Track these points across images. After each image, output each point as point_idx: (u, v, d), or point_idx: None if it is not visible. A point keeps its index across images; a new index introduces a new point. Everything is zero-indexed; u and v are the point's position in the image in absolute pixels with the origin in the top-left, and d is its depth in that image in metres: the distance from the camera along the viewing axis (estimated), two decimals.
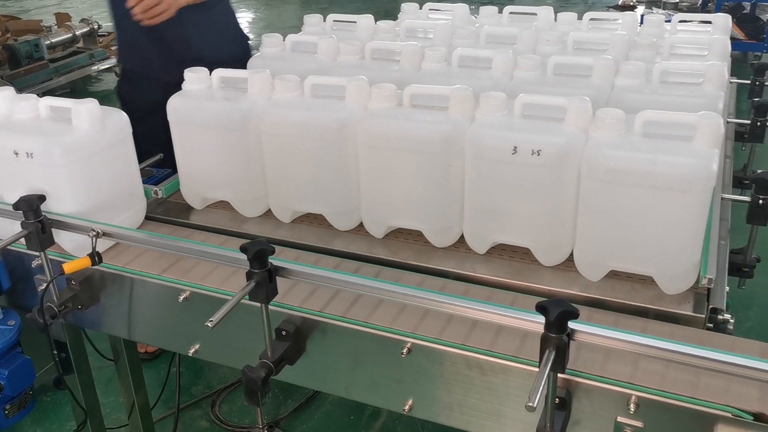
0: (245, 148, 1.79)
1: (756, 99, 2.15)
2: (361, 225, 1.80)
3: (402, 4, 2.68)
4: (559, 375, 1.29)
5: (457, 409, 1.45)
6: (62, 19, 7.63)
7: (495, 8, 2.62)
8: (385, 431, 2.81)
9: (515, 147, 1.48)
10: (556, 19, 2.46)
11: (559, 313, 1.14)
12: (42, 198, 1.60)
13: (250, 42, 2.98)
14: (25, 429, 2.88)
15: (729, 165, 2.03)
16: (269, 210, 1.90)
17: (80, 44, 7.43)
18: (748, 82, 2.47)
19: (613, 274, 1.56)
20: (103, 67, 7.32)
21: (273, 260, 1.40)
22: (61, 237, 1.68)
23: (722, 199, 1.75)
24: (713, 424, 1.23)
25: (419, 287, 1.43)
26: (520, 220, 1.59)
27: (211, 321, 1.29)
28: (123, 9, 2.41)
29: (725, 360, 1.12)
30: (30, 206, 1.57)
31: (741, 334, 1.44)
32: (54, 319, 1.68)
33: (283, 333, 1.51)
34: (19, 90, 3.10)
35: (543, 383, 1.11)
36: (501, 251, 1.69)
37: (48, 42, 7.06)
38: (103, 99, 1.80)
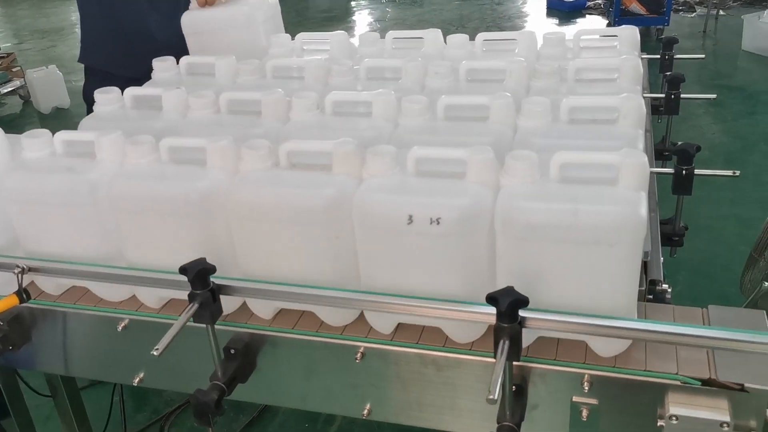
0: (96, 226, 1.51)
1: (668, 73, 2.22)
2: None
3: (272, 37, 2.35)
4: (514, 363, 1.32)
5: (415, 408, 1.45)
6: None
7: (377, 35, 2.30)
8: None
9: (410, 215, 1.25)
10: (446, 42, 2.17)
11: (509, 303, 1.14)
12: None
13: None
14: None
15: (650, 138, 2.09)
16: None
17: None
18: (658, 57, 2.56)
19: None
20: (5, 91, 6.99)
21: (215, 279, 1.36)
22: None
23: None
24: (663, 393, 1.26)
25: (370, 291, 1.40)
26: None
27: (157, 349, 1.24)
28: (89, 4, 2.39)
29: (667, 330, 1.16)
30: None
31: (673, 299, 1.49)
32: None
33: (232, 351, 1.47)
34: None
35: (501, 374, 1.11)
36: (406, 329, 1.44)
37: None
38: (8, 124, 1.69)
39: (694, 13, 8.95)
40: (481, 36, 2.06)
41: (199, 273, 1.31)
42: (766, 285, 2.45)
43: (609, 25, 8.12)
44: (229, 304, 1.47)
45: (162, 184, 1.43)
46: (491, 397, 1.07)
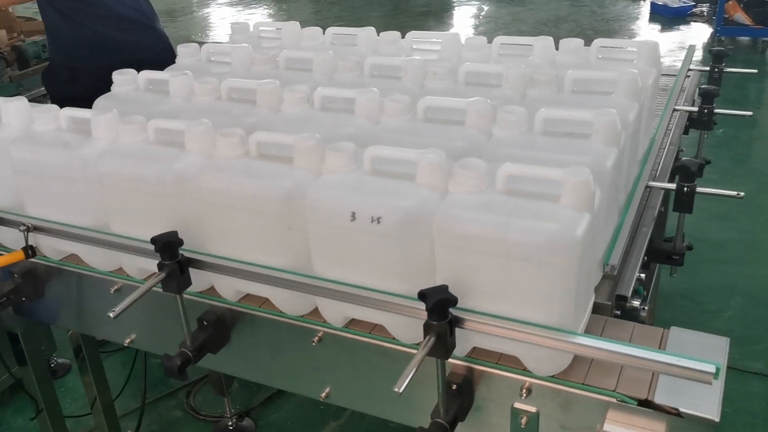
0: (86, 200, 1.61)
1: (702, 87, 2.12)
2: None
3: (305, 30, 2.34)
4: (459, 363, 1.33)
5: (372, 397, 1.48)
6: None
7: (484, 39, 2.18)
8: (354, 421, 2.85)
9: (353, 212, 1.27)
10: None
11: (436, 301, 1.16)
12: None
13: None
14: (7, 419, 2.97)
15: (671, 153, 2.02)
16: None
17: None
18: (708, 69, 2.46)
19: None
20: None
21: (184, 251, 1.43)
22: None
23: (648, 187, 1.75)
24: (605, 409, 1.24)
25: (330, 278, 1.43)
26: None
27: (114, 311, 1.34)
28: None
29: (579, 342, 1.15)
30: None
31: (721, 323, 1.43)
32: None
33: (205, 323, 1.55)
34: (26, 90, 3.21)
35: (414, 369, 1.13)
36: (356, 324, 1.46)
37: None
38: None
39: None
40: (499, 39, 2.04)
41: (166, 245, 1.39)
42: None
43: (713, 33, 7.74)
44: (202, 280, 1.54)
45: (143, 163, 1.52)
46: (396, 389, 1.09)
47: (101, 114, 1.61)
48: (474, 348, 1.33)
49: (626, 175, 1.64)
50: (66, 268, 1.74)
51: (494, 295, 1.23)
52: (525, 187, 1.26)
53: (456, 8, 10.80)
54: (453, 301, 1.17)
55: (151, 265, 1.46)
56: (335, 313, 1.43)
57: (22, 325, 2.01)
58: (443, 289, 1.18)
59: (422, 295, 1.17)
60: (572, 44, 1.92)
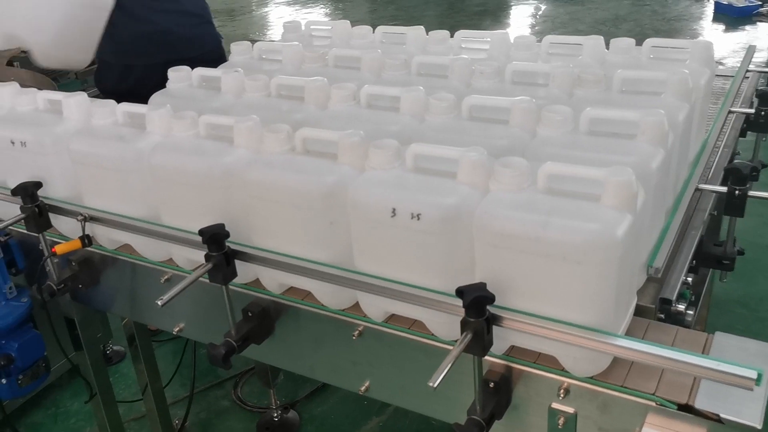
0: (140, 191, 1.68)
1: (759, 88, 2.06)
2: None
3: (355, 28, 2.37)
4: (497, 361, 1.34)
5: (411, 392, 1.50)
6: None
7: (533, 38, 2.15)
8: (397, 417, 2.87)
9: (394, 209, 1.28)
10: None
11: (473, 298, 1.17)
12: (38, 185, 1.73)
13: None
14: (65, 401, 3.09)
15: (725, 156, 1.97)
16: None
17: None
18: None
19: None
20: None
21: (230, 243, 1.48)
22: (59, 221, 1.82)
23: (699, 190, 1.71)
24: (644, 412, 1.23)
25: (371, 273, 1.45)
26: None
27: (161, 299, 1.38)
28: None
29: (619, 344, 1.14)
30: (26, 192, 1.71)
31: None
32: (52, 296, 1.82)
33: (249, 314, 1.59)
34: (90, 87, 3.32)
35: (449, 365, 1.14)
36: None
37: None
38: None
39: None
40: (548, 38, 2.02)
41: (213, 236, 1.44)
42: None
43: None
44: (247, 272, 1.58)
45: (193, 157, 1.57)
46: (430, 383, 1.10)
47: (155, 109, 1.67)
48: (512, 347, 1.33)
49: (675, 177, 1.61)
50: (120, 257, 1.81)
51: (533, 294, 1.23)
52: (567, 186, 1.25)
53: (513, 7, 10.71)
54: (490, 298, 1.17)
55: (199, 256, 1.50)
56: (375, 308, 1.44)
57: (79, 311, 2.09)
58: (481, 286, 1.19)
59: (460, 292, 1.18)
60: (623, 44, 1.89)
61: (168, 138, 1.64)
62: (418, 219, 1.26)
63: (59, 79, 5.30)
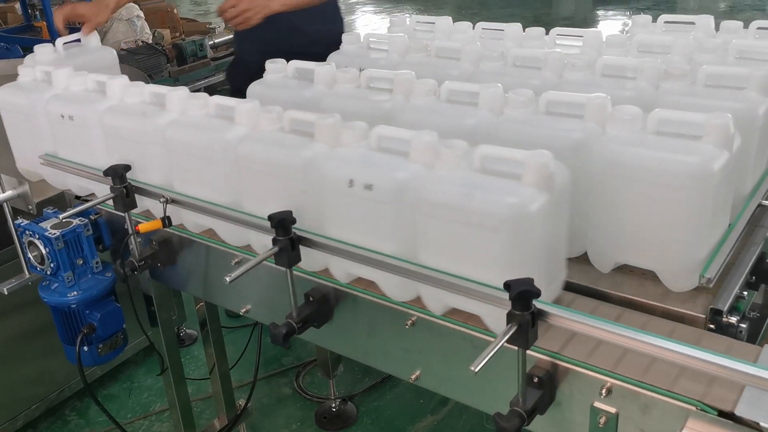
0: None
1: None
2: None
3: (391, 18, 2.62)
4: (543, 357, 1.38)
5: (459, 383, 1.55)
6: None
7: (625, 37, 2.27)
8: (452, 417, 2.91)
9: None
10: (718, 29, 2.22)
11: (519, 292, 1.22)
12: (127, 167, 1.88)
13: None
14: (139, 377, 3.28)
15: None
16: None
17: None
18: None
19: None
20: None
21: (297, 230, 1.57)
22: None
23: (762, 205, 1.70)
24: (685, 417, 1.25)
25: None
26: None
27: (229, 276, 1.49)
28: None
29: (673, 348, 1.15)
30: (116, 173, 1.86)
31: None
32: (133, 272, 1.97)
33: (311, 299, 1.69)
34: (183, 85, 3.53)
35: (492, 351, 1.19)
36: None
37: (211, 42, 7.79)
38: None
39: None
40: (755, 23, 2.14)
41: (280, 222, 1.54)
42: None
43: None
44: (319, 261, 1.68)
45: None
46: (472, 368, 1.16)
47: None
48: (562, 344, 1.37)
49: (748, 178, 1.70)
50: (196, 239, 1.94)
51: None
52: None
53: (600, 20, 10.57)
54: (536, 293, 1.22)
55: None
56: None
57: (156, 288, 2.24)
58: (528, 281, 1.24)
59: (507, 286, 1.24)
60: (732, 25, 2.08)
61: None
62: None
63: (153, 77, 5.62)
